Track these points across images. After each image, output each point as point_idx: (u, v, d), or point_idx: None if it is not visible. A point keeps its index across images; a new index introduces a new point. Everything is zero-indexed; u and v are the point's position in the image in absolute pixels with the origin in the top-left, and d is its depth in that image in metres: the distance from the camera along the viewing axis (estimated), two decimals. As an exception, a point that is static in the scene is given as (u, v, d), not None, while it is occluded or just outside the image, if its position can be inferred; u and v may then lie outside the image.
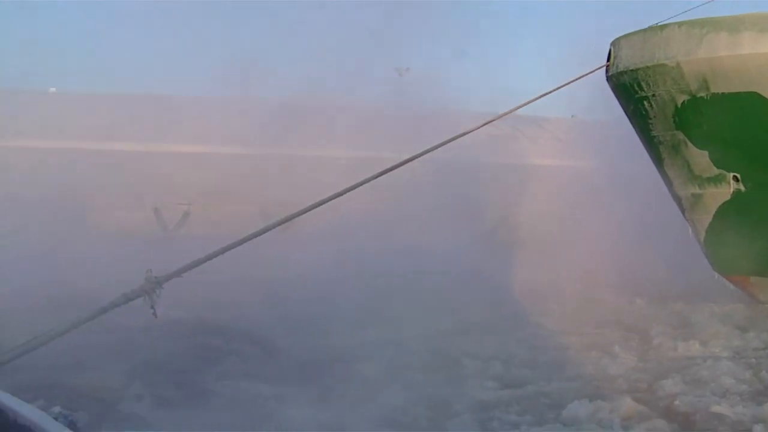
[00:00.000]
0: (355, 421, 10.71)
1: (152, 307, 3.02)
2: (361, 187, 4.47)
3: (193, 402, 11.40)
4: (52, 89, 44.12)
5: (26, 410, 4.54)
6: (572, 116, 43.12)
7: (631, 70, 17.56)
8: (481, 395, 12.23)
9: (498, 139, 37.73)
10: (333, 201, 4.00)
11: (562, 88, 16.06)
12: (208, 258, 3.42)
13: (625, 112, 19.06)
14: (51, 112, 39.28)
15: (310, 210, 3.86)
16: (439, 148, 9.41)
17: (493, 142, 35.51)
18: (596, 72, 18.00)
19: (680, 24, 16.47)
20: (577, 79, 16.56)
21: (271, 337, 15.61)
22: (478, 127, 11.70)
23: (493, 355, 14.45)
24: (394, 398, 11.70)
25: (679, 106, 17.05)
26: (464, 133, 11.50)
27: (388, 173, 4.19)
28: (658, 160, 19.00)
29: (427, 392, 12.13)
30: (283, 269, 21.53)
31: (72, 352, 10.83)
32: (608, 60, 18.13)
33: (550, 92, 15.80)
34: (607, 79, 18.57)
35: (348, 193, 4.06)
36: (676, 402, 11.82)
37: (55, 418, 4.65)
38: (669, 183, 19.13)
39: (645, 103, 17.66)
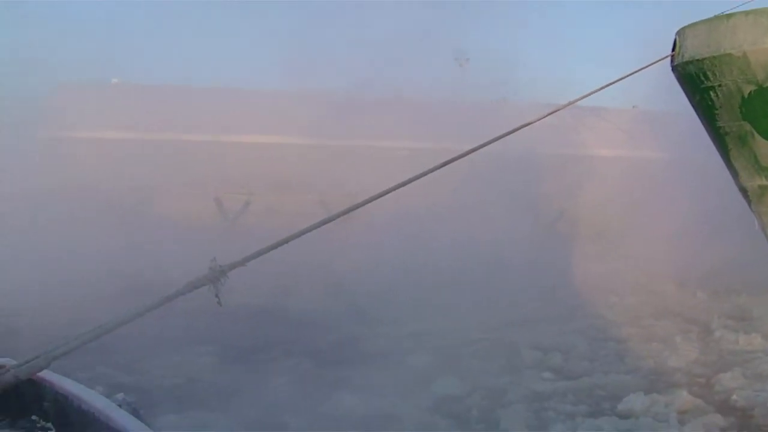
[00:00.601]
0: (407, 409, 10.90)
1: (216, 296, 3.14)
2: (421, 179, 4.54)
3: (259, 383, 11.73)
4: (115, 80, 44.87)
5: (90, 397, 4.76)
6: (633, 107, 42.29)
7: (697, 60, 17.21)
8: (537, 386, 12.32)
9: (558, 129, 37.23)
10: (393, 192, 4.07)
11: (625, 79, 15.84)
12: (272, 248, 3.53)
13: (691, 102, 18.71)
14: (115, 103, 40.03)
15: (371, 201, 3.94)
16: (500, 140, 9.41)
17: (554, 133, 35.08)
18: (660, 62, 17.71)
19: (747, 13, 16.09)
20: (642, 69, 16.30)
21: (333, 325, 15.92)
22: (540, 119, 11.60)
23: (551, 346, 14.48)
24: (449, 387, 11.88)
25: (746, 96, 16.67)
26: (525, 125, 11.45)
27: (448, 165, 4.26)
28: (724, 152, 18.62)
29: (482, 382, 12.30)
30: (344, 259, 21.81)
31: (141, 339, 11.24)
32: (673, 50, 17.81)
33: (615, 82, 15.56)
34: (672, 69, 18.25)
35: (409, 185, 4.13)
36: (734, 396, 11.70)
37: (119, 405, 4.84)
38: (735, 174, 18.70)
39: (711, 93, 17.30)
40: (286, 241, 3.60)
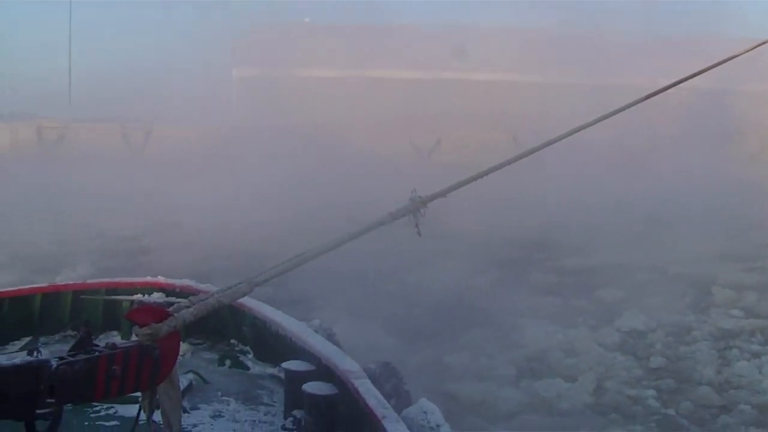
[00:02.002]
0: (589, 343, 11.11)
1: (416, 226, 3.09)
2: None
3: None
4: (307, 19, 45.80)
5: (288, 322, 4.93)
6: None
7: None
8: (724, 323, 12.09)
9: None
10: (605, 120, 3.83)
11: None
12: (468, 181, 3.42)
13: None
14: (309, 42, 41.08)
15: (556, 141, 3.73)
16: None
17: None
18: None
19: None
20: None
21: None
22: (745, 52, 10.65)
23: (747, 285, 13.76)
24: (633, 321, 11.87)
25: None
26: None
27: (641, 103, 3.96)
28: None
29: (667, 318, 12.23)
30: (543, 191, 21.92)
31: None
32: None
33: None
34: None
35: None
36: None
37: (315, 331, 4.96)
38: None
39: None
40: (481, 175, 3.47)
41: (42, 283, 6.28)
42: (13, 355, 5.02)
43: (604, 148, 25.38)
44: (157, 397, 2.71)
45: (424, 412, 4.10)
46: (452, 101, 37.45)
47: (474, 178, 3.65)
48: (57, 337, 5.63)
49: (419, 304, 12.49)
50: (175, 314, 2.64)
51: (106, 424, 4.05)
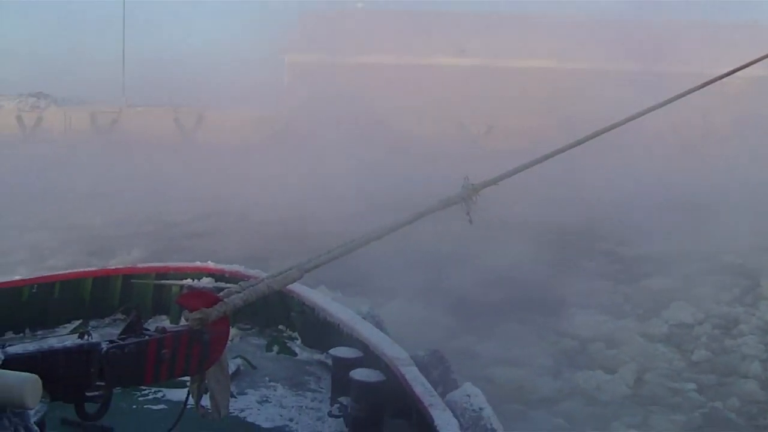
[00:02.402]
0: (631, 335, 10.97)
1: (468, 214, 3.04)
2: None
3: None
4: (360, 5, 45.74)
5: (336, 309, 4.91)
6: None
7: None
8: None
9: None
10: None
11: None
12: (521, 169, 3.37)
13: None
14: (361, 28, 41.04)
15: (610, 129, 3.66)
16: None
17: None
18: None
19: None
20: None
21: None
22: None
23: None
24: (681, 314, 11.82)
25: None
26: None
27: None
28: None
29: (715, 310, 12.13)
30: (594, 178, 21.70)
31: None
32: None
33: None
34: None
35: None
36: None
37: (363, 318, 4.94)
38: None
39: None
40: (533, 163, 3.43)
41: (96, 266, 6.37)
42: (64, 337, 5.08)
43: (656, 135, 25.06)
44: (206, 381, 2.71)
45: (468, 396, 4.09)
46: (506, 88, 37.22)
47: (527, 166, 3.59)
48: (107, 320, 5.69)
49: (470, 289, 12.52)
50: (226, 299, 2.63)
51: (154, 407, 4.09)
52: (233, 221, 18.97)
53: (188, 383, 2.73)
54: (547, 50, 38.55)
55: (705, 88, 4.06)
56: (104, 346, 2.26)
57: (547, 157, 3.69)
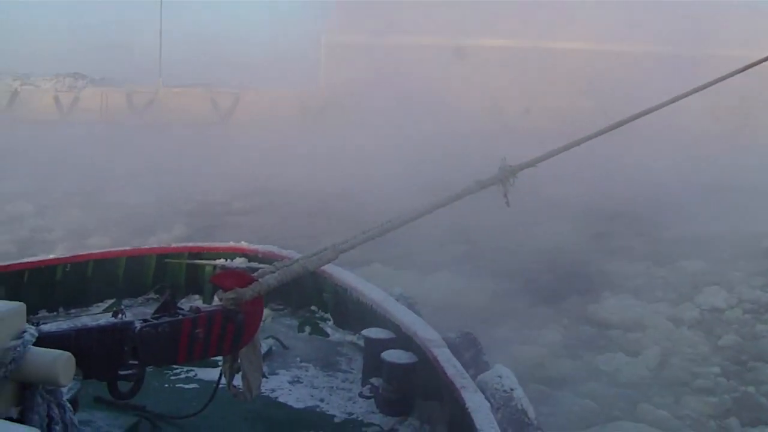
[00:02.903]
0: (658, 320, 10.79)
1: (505, 196, 3.00)
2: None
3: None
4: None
5: (368, 290, 4.89)
6: None
7: None
8: None
9: None
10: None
11: None
12: (558, 151, 3.32)
13: None
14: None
15: (646, 114, 3.58)
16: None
17: None
18: None
19: None
20: None
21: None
22: None
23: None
24: (713, 297, 11.65)
25: None
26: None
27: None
28: None
29: (747, 294, 11.96)
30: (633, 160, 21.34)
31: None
32: None
33: None
34: None
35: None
36: None
37: (396, 299, 4.91)
38: None
39: None
40: (572, 145, 3.38)
41: (136, 245, 6.41)
42: (98, 316, 5.12)
43: (695, 118, 24.73)
44: (239, 361, 2.71)
45: (500, 377, 4.07)
46: (544, 71, 36.89)
47: (565, 148, 3.55)
48: (140, 300, 5.72)
49: (508, 269, 12.62)
50: (260, 279, 2.62)
51: (186, 386, 4.10)
52: (275, 199, 19.13)
53: (221, 363, 2.73)
54: (586, 32, 38.04)
55: (745, 71, 3.97)
56: (138, 325, 2.26)
57: (585, 139, 3.64)
